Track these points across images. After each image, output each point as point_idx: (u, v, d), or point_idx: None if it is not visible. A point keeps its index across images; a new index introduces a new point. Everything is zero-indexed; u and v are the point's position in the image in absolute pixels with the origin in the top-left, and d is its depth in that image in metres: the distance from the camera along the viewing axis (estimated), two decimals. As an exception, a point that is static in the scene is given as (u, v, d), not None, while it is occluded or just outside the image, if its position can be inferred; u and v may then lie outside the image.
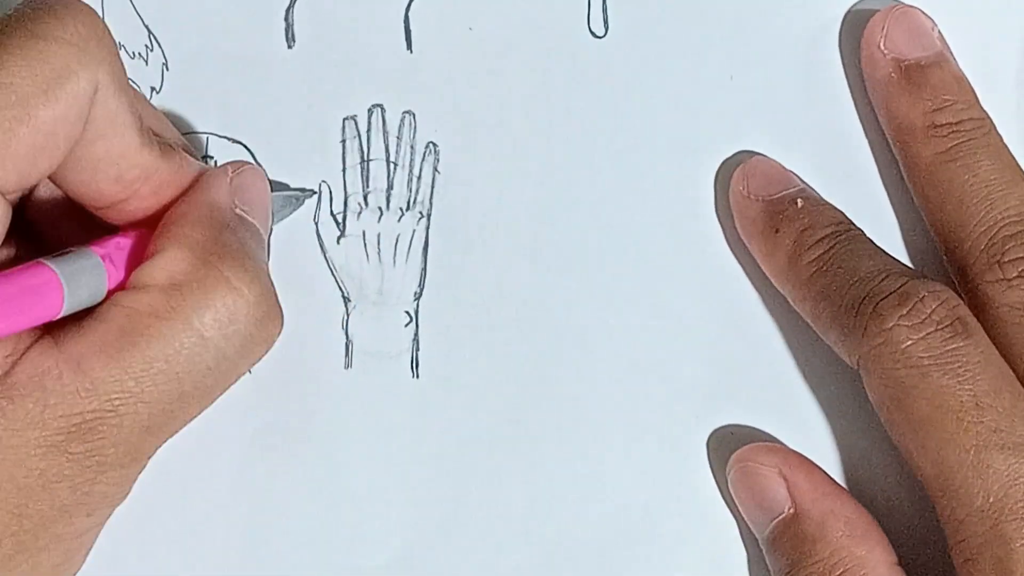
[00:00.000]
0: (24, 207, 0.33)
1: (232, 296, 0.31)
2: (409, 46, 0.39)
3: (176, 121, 0.38)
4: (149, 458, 0.32)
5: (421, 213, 0.39)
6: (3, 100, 0.29)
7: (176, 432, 0.32)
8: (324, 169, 0.39)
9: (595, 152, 0.39)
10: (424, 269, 0.39)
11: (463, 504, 0.38)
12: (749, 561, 0.38)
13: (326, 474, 0.38)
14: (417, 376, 0.38)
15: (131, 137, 0.32)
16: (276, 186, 0.38)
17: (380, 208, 0.39)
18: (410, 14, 0.39)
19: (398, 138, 0.39)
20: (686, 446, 0.38)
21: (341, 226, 0.39)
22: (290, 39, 0.39)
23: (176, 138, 0.35)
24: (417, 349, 0.38)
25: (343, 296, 0.39)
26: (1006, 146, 0.38)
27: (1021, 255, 0.36)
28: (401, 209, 0.39)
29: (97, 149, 0.31)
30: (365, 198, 0.39)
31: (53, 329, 0.31)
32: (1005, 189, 0.37)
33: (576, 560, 0.38)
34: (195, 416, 0.32)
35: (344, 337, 0.38)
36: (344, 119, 0.39)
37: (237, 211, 0.34)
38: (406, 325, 0.38)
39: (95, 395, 0.30)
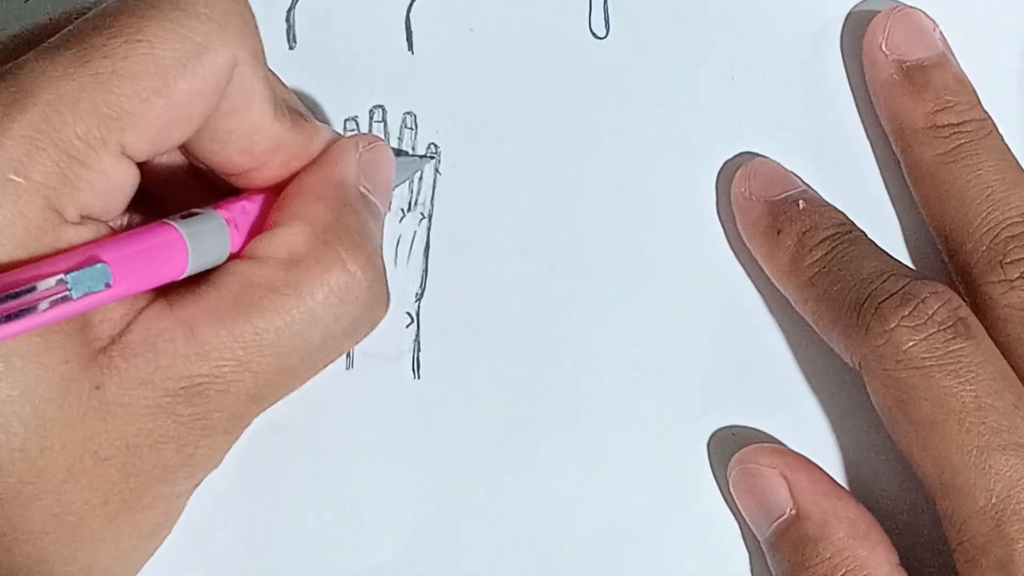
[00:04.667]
0: (150, 170, 0.33)
1: (346, 278, 0.31)
2: (410, 47, 0.39)
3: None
4: (248, 425, 0.32)
5: (422, 214, 0.39)
6: (143, 70, 0.29)
7: (277, 402, 0.32)
8: (325, 170, 0.39)
9: (596, 153, 0.39)
10: (425, 270, 0.39)
11: (464, 504, 0.38)
12: (751, 562, 0.38)
13: (327, 474, 0.38)
14: (418, 377, 0.38)
15: (265, 111, 0.32)
16: (398, 152, 0.37)
17: (381, 209, 0.39)
18: (411, 15, 0.39)
19: (399, 139, 0.39)
20: (687, 447, 0.38)
21: (342, 227, 0.39)
22: (291, 40, 0.39)
23: (301, 107, 0.35)
24: (418, 350, 0.38)
25: (344, 297, 0.39)
26: (1008, 147, 0.38)
27: (1023, 256, 0.36)
28: (402, 210, 0.39)
29: (230, 122, 0.31)
30: (366, 199, 0.39)
31: (168, 292, 0.31)
32: (1007, 190, 0.37)
33: (576, 560, 0.38)
34: (296, 388, 0.33)
35: (345, 338, 0.38)
36: (345, 120, 0.39)
37: (361, 189, 0.34)
38: (407, 326, 0.38)
39: (205, 360, 0.30)
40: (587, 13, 0.40)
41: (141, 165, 0.31)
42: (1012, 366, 0.35)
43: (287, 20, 0.39)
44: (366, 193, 0.34)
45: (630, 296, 0.39)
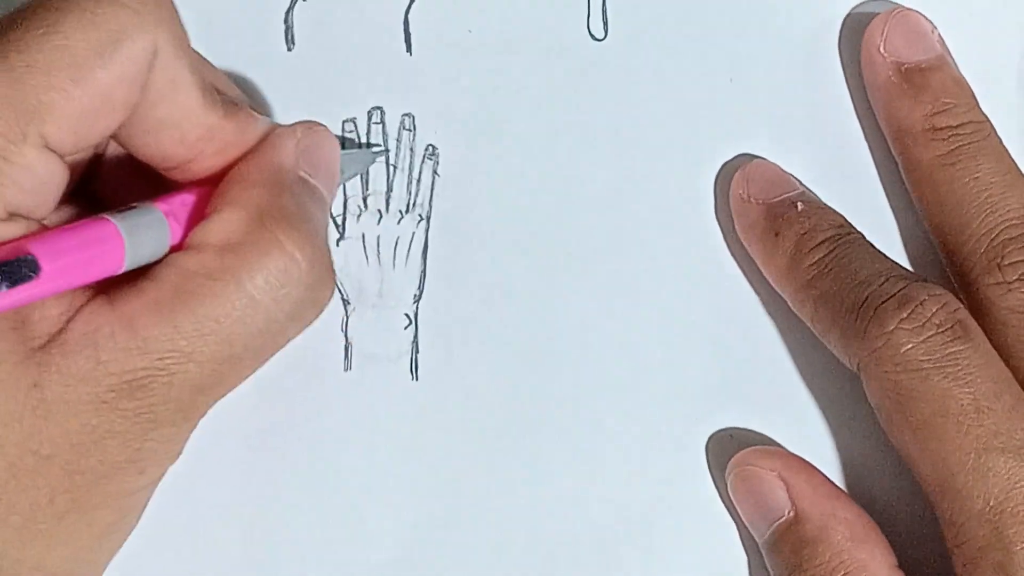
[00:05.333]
0: (95, 170, 0.33)
1: (284, 260, 0.31)
2: (409, 48, 0.39)
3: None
4: (200, 417, 0.32)
5: (420, 216, 0.39)
6: (58, 61, 0.29)
7: (227, 392, 0.32)
8: (324, 171, 0.39)
9: (595, 155, 0.39)
10: (424, 271, 0.39)
11: (463, 505, 0.38)
12: (749, 565, 0.38)
13: (326, 476, 0.38)
14: (416, 378, 0.38)
15: (194, 99, 0.32)
16: (347, 143, 0.37)
17: (379, 211, 0.39)
18: (410, 16, 0.39)
19: (397, 140, 0.39)
20: (686, 449, 0.38)
21: (340, 228, 0.39)
22: (290, 41, 0.39)
23: (240, 97, 0.35)
24: (416, 351, 0.38)
25: (342, 299, 0.39)
26: (1006, 149, 0.38)
27: (1021, 258, 0.36)
28: (400, 211, 0.39)
29: (159, 111, 0.31)
30: (364, 200, 0.39)
31: (108, 287, 0.31)
32: (1005, 192, 0.37)
33: (576, 560, 0.38)
34: (246, 377, 0.32)
35: (344, 339, 0.38)
36: (344, 121, 0.39)
37: (301, 173, 0.33)
38: (406, 327, 0.38)
39: (146, 353, 0.30)
40: (586, 15, 0.40)
41: (90, 166, 0.31)
42: (1010, 368, 0.35)
43: (285, 21, 0.39)
44: (306, 177, 0.33)
45: (629, 298, 0.39)
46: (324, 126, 0.35)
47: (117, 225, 0.30)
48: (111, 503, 0.32)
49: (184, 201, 0.32)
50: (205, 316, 0.30)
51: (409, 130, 0.39)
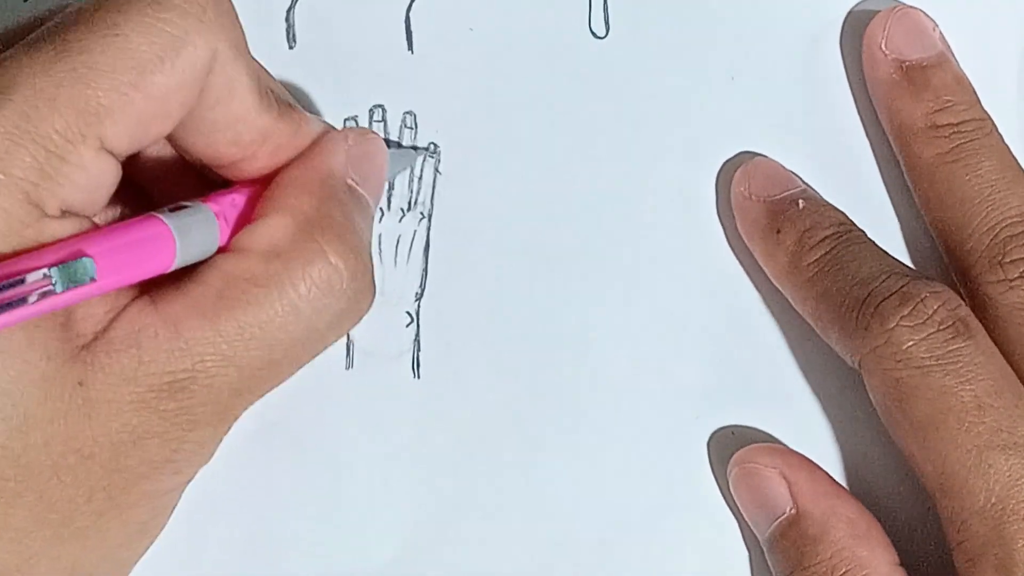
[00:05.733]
0: (130, 163, 0.33)
1: (328, 270, 0.31)
2: (410, 46, 0.39)
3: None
4: (235, 420, 0.32)
5: (422, 214, 0.39)
6: (120, 65, 0.29)
7: (262, 396, 0.32)
8: (325, 169, 0.39)
9: (596, 153, 0.39)
10: (425, 270, 0.39)
11: (463, 504, 0.38)
12: (751, 562, 0.38)
13: (326, 475, 0.38)
14: (418, 377, 0.38)
15: (249, 102, 0.32)
16: (390, 143, 0.37)
17: (381, 209, 0.39)
18: (411, 15, 0.39)
19: (399, 138, 0.39)
20: (687, 446, 0.38)
21: (342, 226, 0.39)
22: (291, 39, 0.39)
23: (289, 99, 0.35)
24: (418, 350, 0.38)
25: (344, 296, 0.38)
26: (1007, 146, 0.38)
27: (1022, 256, 0.36)
28: (402, 209, 0.39)
29: (214, 114, 0.31)
30: (366, 198, 0.39)
31: (151, 288, 0.31)
32: (1006, 189, 0.37)
33: (576, 560, 0.38)
34: (282, 382, 0.33)
35: (345, 337, 0.38)
36: (345, 119, 0.39)
37: (349, 181, 0.34)
38: (407, 326, 0.38)
39: (188, 355, 0.30)
40: (587, 13, 0.40)
41: (132, 158, 0.31)
42: (1011, 365, 0.35)
43: (287, 20, 0.39)
44: (354, 185, 0.34)
45: (630, 296, 0.39)
46: (375, 134, 0.35)
47: (168, 224, 0.30)
48: (146, 502, 0.32)
49: (234, 202, 0.33)
50: (248, 322, 0.31)
51: (410, 128, 0.39)
